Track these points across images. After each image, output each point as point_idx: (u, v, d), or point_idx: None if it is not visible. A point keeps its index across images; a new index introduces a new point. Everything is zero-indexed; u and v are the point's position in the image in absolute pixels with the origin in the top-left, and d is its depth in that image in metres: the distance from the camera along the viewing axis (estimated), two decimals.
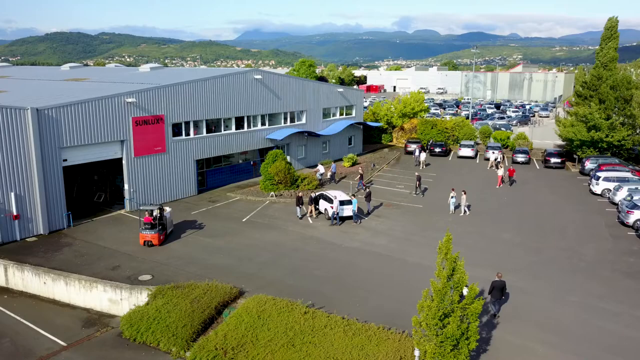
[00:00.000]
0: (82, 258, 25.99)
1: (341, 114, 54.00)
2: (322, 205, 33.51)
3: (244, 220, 32.81)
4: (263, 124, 44.13)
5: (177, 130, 36.67)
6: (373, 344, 17.26)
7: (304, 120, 48.34)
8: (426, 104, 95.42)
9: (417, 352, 15.29)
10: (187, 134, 37.31)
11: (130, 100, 32.43)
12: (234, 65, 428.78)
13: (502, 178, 42.52)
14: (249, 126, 42.57)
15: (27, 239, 28.38)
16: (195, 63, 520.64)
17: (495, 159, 49.23)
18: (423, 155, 49.37)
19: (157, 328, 19.71)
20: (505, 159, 54.44)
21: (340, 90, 53.01)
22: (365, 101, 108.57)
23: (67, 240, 28.59)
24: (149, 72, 47.39)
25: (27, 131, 27.71)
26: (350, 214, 32.56)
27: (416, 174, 41.29)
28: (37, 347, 20.18)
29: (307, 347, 17.48)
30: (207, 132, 39.05)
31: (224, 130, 40.54)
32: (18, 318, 22.37)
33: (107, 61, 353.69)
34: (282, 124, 45.98)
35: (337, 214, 31.93)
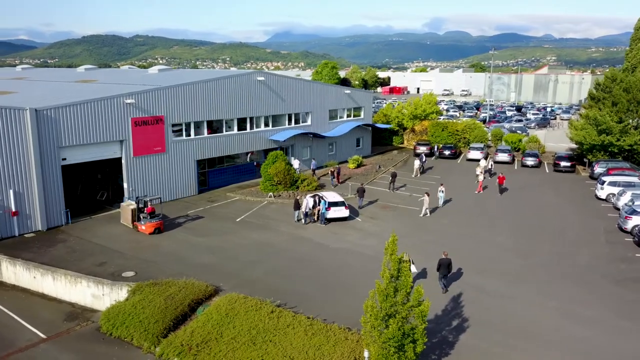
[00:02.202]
0: (73, 254, 26.81)
1: (349, 116, 54.01)
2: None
3: (238, 220, 33.22)
4: (266, 125, 44.52)
5: (177, 130, 37.36)
6: (330, 344, 17.35)
7: (309, 122, 48.55)
8: (444, 106, 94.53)
9: (366, 354, 15.30)
10: (188, 134, 37.96)
11: (129, 101, 33.25)
12: (263, 67, 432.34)
13: (482, 184, 41.45)
14: (251, 127, 43.02)
15: (25, 235, 29.41)
16: (226, 65, 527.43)
17: (488, 160, 47.74)
18: (417, 163, 47.04)
19: (131, 323, 20.20)
20: (516, 161, 53.57)
21: (348, 92, 53.00)
22: (385, 102, 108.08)
23: (63, 236, 29.50)
24: (156, 74, 48.40)
25: (26, 131, 28.74)
26: (342, 215, 32.73)
27: (392, 170, 40.95)
28: (19, 338, 20.95)
29: (267, 345, 17.69)
30: (210, 133, 39.65)
31: (227, 131, 41.08)
32: (6, 311, 23.26)
33: (141, 63, 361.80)
34: (286, 125, 46.30)
35: (306, 213, 32.52)
